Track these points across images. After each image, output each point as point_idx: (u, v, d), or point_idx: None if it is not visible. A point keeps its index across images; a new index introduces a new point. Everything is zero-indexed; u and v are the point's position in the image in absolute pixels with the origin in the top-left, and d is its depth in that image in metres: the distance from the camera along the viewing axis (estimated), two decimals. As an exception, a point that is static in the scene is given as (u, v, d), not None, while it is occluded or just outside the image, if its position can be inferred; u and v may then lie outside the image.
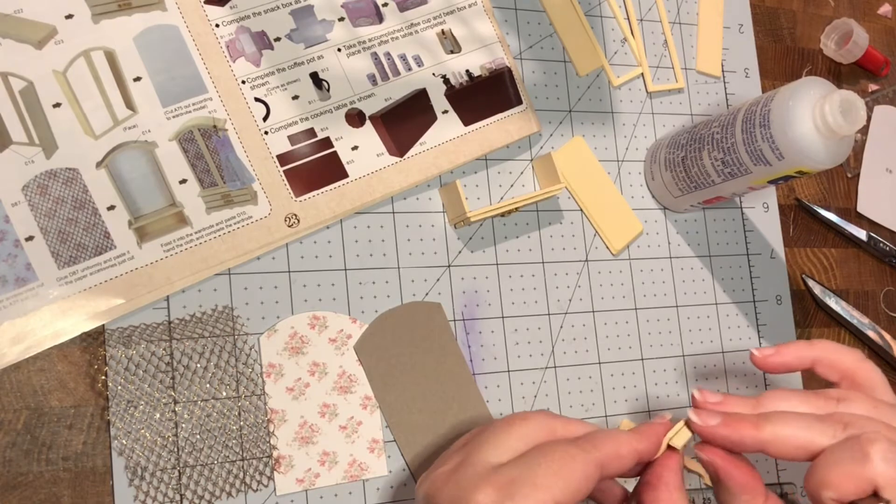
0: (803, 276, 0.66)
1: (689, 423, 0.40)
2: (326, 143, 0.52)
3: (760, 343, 0.63)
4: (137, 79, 0.48)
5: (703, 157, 0.56)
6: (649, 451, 0.40)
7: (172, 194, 0.48)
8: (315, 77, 0.52)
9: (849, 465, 0.36)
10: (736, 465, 0.40)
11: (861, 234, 0.69)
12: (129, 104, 0.48)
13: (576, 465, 0.37)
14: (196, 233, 0.48)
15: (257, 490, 0.47)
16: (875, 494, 0.36)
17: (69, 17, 0.48)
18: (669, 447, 0.41)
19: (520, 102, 0.57)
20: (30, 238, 0.45)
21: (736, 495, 0.40)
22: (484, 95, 0.56)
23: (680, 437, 0.40)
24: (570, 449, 0.37)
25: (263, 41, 0.52)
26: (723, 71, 0.66)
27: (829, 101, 0.49)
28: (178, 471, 0.46)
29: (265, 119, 0.51)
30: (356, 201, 0.52)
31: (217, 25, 0.51)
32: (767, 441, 0.39)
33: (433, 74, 0.55)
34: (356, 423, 0.50)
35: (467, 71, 0.56)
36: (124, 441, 0.45)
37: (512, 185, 0.57)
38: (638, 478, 0.41)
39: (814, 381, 0.63)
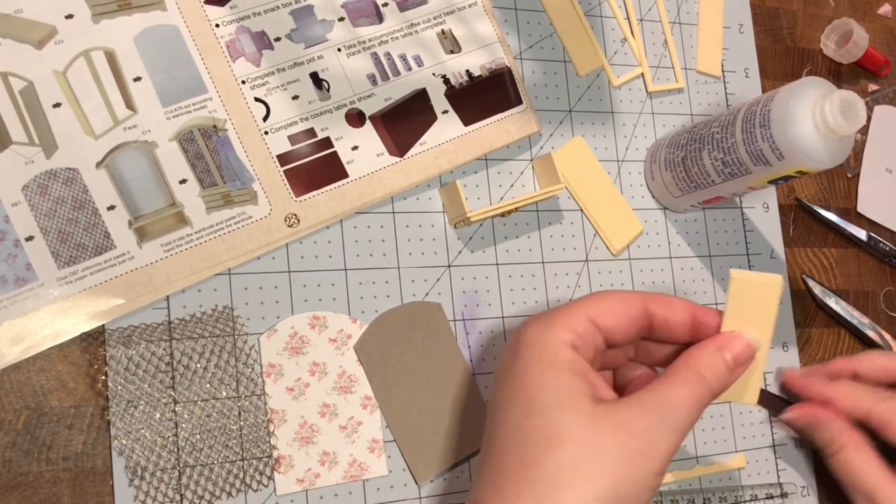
0: (803, 276, 0.66)
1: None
2: (326, 143, 0.52)
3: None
4: (137, 79, 0.48)
5: (703, 157, 0.56)
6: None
7: (172, 194, 0.48)
8: (315, 77, 0.52)
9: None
10: (817, 409, 0.56)
11: (861, 234, 0.69)
12: (129, 104, 0.48)
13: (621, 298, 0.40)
14: (196, 233, 0.48)
15: (257, 490, 0.47)
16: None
17: (69, 17, 0.48)
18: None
19: (520, 102, 0.57)
20: (30, 238, 0.45)
21: (825, 427, 0.55)
22: (484, 95, 0.56)
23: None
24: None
25: (263, 41, 0.52)
26: (723, 71, 0.66)
27: (829, 101, 0.49)
28: (178, 471, 0.46)
29: (265, 119, 0.51)
30: (356, 201, 0.52)
31: (217, 25, 0.51)
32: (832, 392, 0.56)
33: (433, 74, 0.55)
34: (356, 423, 0.50)
35: (467, 71, 0.56)
36: (124, 441, 0.45)
37: (512, 185, 0.57)
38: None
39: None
